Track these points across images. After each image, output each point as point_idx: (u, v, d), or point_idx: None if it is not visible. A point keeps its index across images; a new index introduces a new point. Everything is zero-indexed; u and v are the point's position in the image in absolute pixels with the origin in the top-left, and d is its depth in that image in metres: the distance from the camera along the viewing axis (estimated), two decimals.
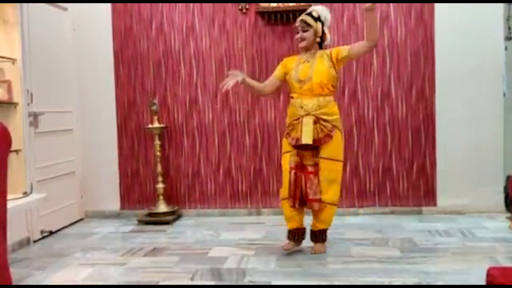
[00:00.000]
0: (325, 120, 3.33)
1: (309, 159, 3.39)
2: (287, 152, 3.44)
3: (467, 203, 4.51)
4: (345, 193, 4.63)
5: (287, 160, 3.42)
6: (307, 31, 3.42)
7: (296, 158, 3.38)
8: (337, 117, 3.41)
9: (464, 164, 4.52)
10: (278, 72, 3.57)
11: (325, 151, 3.36)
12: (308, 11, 3.48)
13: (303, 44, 3.44)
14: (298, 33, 3.46)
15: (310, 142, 3.30)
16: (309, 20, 3.41)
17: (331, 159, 3.38)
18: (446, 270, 3.04)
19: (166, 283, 3.01)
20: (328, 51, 3.44)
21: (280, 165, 3.71)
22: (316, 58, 3.41)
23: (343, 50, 3.40)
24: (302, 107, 3.35)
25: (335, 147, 3.39)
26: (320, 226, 3.50)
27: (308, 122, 3.31)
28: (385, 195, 4.62)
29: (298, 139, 3.34)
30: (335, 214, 3.50)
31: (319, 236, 3.52)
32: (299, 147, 3.37)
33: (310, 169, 3.38)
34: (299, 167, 3.39)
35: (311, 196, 3.36)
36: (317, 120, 3.32)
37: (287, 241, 3.50)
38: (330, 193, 3.40)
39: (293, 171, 3.37)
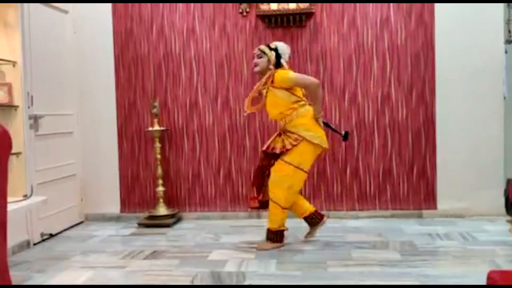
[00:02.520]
0: (290, 132, 3.65)
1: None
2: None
3: (467, 206, 4.51)
4: (345, 196, 4.64)
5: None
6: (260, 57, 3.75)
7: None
8: (302, 128, 3.63)
9: (464, 167, 4.52)
10: None
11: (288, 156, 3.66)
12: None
13: (255, 69, 3.79)
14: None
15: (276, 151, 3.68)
16: (263, 48, 3.77)
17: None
18: (446, 273, 3.04)
19: None
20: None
21: None
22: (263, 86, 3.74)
23: (281, 82, 3.66)
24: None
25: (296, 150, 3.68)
26: (269, 224, 3.80)
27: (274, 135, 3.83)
28: (386, 198, 4.62)
29: (268, 146, 3.75)
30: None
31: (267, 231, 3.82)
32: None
33: None
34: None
35: None
36: (282, 133, 3.72)
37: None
38: (274, 193, 3.73)
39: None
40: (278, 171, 3.64)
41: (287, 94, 3.63)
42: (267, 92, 3.69)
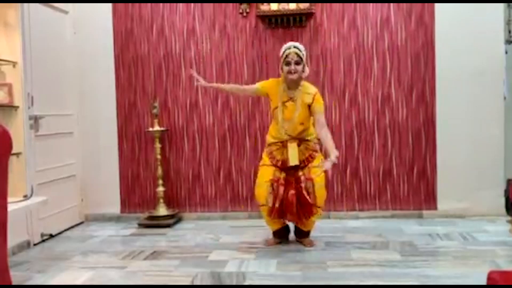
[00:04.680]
0: (306, 140, 3.61)
1: (292, 176, 3.58)
2: (269, 165, 3.63)
3: (467, 206, 4.51)
4: (345, 196, 4.64)
5: (269, 172, 3.59)
6: (299, 64, 3.50)
7: (282, 174, 3.57)
8: (315, 135, 3.65)
9: (464, 167, 4.51)
10: (261, 89, 3.69)
11: (314, 163, 3.60)
12: (295, 44, 3.55)
13: (293, 77, 3.49)
14: (288, 64, 3.47)
15: (297, 163, 3.54)
16: (301, 53, 3.51)
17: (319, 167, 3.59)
18: (446, 273, 3.04)
19: None
20: (310, 98, 3.53)
21: None
22: (300, 97, 3.52)
23: (315, 114, 3.53)
24: (285, 133, 3.57)
25: (319, 159, 3.64)
26: (310, 227, 3.76)
27: (293, 146, 3.55)
28: (386, 198, 4.62)
29: (284, 162, 3.57)
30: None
31: (307, 233, 3.79)
32: (285, 169, 3.59)
33: (292, 183, 3.54)
34: (286, 182, 3.56)
35: (292, 209, 3.52)
36: (300, 143, 3.58)
37: (272, 238, 3.82)
38: (321, 198, 3.60)
39: (275, 184, 3.53)
40: (322, 176, 3.55)
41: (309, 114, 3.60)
42: (299, 104, 3.54)
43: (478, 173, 4.50)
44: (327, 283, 2.96)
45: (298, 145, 3.57)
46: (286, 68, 3.49)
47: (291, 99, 3.55)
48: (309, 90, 3.58)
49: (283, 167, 3.57)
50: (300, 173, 3.55)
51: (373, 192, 4.63)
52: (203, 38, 4.70)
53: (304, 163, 3.59)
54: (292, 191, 3.49)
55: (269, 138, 3.71)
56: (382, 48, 4.55)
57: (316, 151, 3.66)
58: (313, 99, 3.54)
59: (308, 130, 3.63)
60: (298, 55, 3.48)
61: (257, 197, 3.68)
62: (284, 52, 3.53)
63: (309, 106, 3.54)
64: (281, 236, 3.81)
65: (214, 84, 3.95)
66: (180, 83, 4.76)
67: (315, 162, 3.58)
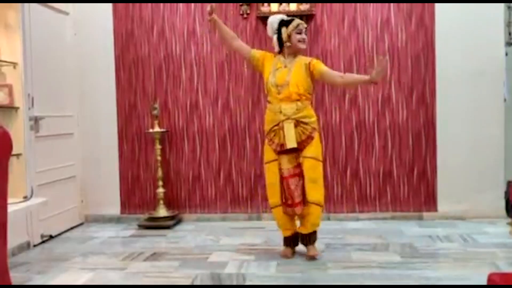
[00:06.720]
0: (304, 123, 3.40)
1: (293, 161, 3.43)
2: (273, 160, 3.47)
3: (467, 208, 4.51)
4: (346, 198, 4.64)
5: (274, 170, 3.46)
6: (306, 34, 3.57)
7: (288, 165, 3.42)
8: (315, 119, 3.48)
9: (464, 169, 4.51)
10: (257, 55, 3.58)
11: (307, 151, 3.41)
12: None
13: (304, 46, 3.52)
14: (300, 33, 3.47)
15: (295, 145, 3.37)
16: None
17: (314, 159, 3.43)
18: (446, 275, 3.04)
19: None
20: (307, 60, 3.48)
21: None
22: (294, 64, 3.47)
23: (320, 69, 3.43)
24: (281, 112, 3.39)
25: (316, 148, 3.45)
26: (310, 229, 3.49)
27: (289, 127, 3.37)
28: (386, 200, 4.61)
29: (282, 145, 3.40)
30: (321, 215, 3.54)
31: (311, 238, 3.52)
32: (284, 152, 3.42)
33: (295, 171, 3.42)
34: (291, 172, 3.43)
35: (296, 200, 3.41)
36: (297, 124, 3.38)
37: (284, 247, 3.59)
38: (314, 193, 3.41)
39: (285, 180, 3.42)
40: (315, 169, 3.42)
41: (310, 82, 3.48)
42: (295, 66, 3.45)
43: (478, 174, 4.50)
44: (327, 284, 2.96)
45: (295, 126, 3.37)
46: (298, 36, 3.45)
47: (285, 66, 3.46)
48: (304, 58, 3.54)
49: (282, 150, 3.40)
50: (301, 159, 3.40)
51: (373, 194, 4.63)
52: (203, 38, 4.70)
53: (303, 145, 3.39)
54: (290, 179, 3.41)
55: (266, 126, 3.51)
56: (382, 50, 4.55)
57: (312, 137, 3.42)
58: (310, 61, 3.47)
59: (306, 109, 3.42)
60: (305, 27, 3.52)
61: (270, 198, 3.54)
62: (294, 21, 3.49)
63: (308, 69, 3.43)
64: (291, 243, 3.58)
65: (222, 25, 3.68)
66: (181, 84, 4.76)
67: (313, 147, 3.42)
